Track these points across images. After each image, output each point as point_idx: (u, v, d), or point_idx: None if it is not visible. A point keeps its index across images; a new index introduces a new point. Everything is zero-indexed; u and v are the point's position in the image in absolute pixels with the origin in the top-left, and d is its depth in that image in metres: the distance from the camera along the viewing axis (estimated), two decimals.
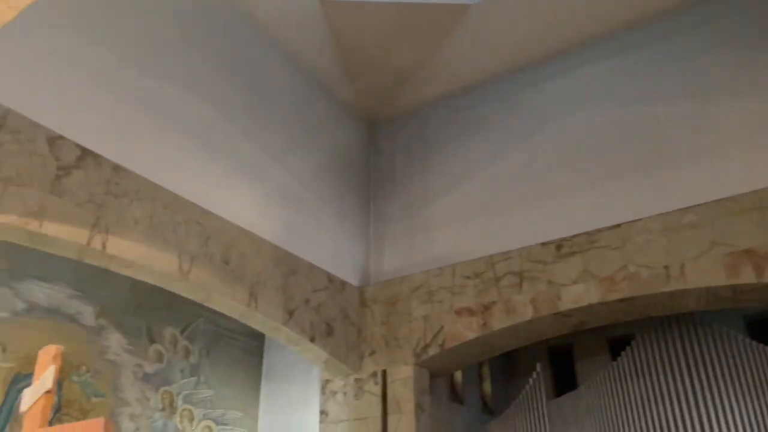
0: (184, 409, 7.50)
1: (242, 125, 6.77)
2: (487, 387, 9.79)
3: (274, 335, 6.80)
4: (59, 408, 6.26)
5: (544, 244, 6.71)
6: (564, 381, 9.74)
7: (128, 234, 5.24)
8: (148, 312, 7.41)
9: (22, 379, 6.05)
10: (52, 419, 6.15)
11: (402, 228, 8.04)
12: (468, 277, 7.04)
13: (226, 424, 7.98)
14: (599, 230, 6.43)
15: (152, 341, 7.39)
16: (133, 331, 7.17)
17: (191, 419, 7.57)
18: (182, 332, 7.78)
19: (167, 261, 5.54)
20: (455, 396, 8.64)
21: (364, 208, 8.43)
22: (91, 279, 6.86)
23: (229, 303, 6.12)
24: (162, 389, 7.32)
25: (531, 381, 8.30)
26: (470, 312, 6.85)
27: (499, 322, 6.64)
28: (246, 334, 8.67)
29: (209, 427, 7.76)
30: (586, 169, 6.92)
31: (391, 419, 6.91)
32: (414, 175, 8.28)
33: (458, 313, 6.93)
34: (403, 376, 7.01)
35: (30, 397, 3.58)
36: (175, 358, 7.58)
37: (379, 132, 8.90)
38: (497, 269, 6.88)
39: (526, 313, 6.52)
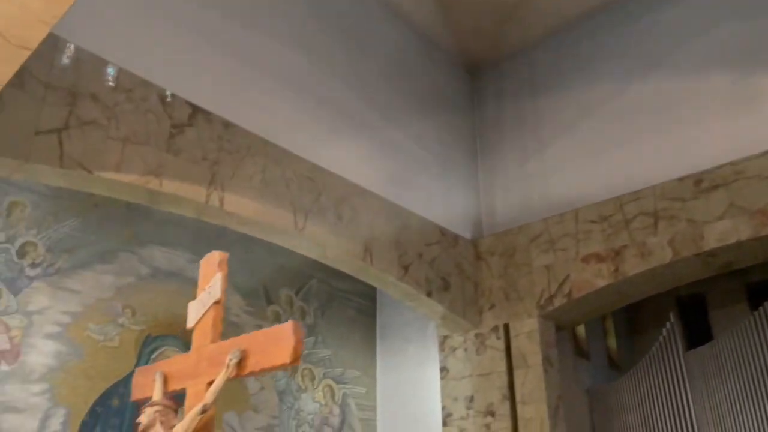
0: (304, 369, 7.53)
1: (347, 79, 6.56)
2: (612, 342, 9.23)
3: (389, 291, 6.62)
4: None
5: (681, 179, 6.07)
6: (696, 333, 9.01)
7: (243, 191, 5.16)
8: (264, 275, 7.44)
9: (152, 341, 6.22)
10: None
11: (514, 176, 7.59)
12: (594, 222, 6.52)
13: (345, 383, 7.96)
14: (746, 159, 5.72)
15: (269, 302, 7.42)
16: (250, 293, 7.22)
17: (312, 378, 7.59)
18: (297, 293, 7.78)
19: (282, 217, 5.43)
20: (580, 351, 8.17)
21: (472, 158, 8.04)
22: (208, 245, 6.91)
23: (344, 258, 5.98)
24: None
25: (665, 332, 7.69)
26: (599, 258, 6.35)
27: (632, 267, 6.11)
28: (359, 294, 8.58)
29: (330, 386, 7.76)
30: (722, 93, 6.18)
31: (518, 374, 6.59)
32: (524, 119, 7.77)
33: (585, 260, 6.44)
34: (528, 329, 6.64)
35: (196, 311, 3.48)
36: (292, 318, 7.58)
37: (483, 78, 8.43)
38: (627, 210, 6.32)
39: (664, 256, 5.95)
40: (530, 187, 7.34)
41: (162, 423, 3.22)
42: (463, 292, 7.05)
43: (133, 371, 5.93)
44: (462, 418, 6.84)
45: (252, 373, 3.17)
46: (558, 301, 6.51)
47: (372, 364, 8.42)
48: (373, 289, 8.85)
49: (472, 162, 8.00)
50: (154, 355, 6.18)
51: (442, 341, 7.32)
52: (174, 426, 3.17)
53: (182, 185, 4.71)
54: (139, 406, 3.51)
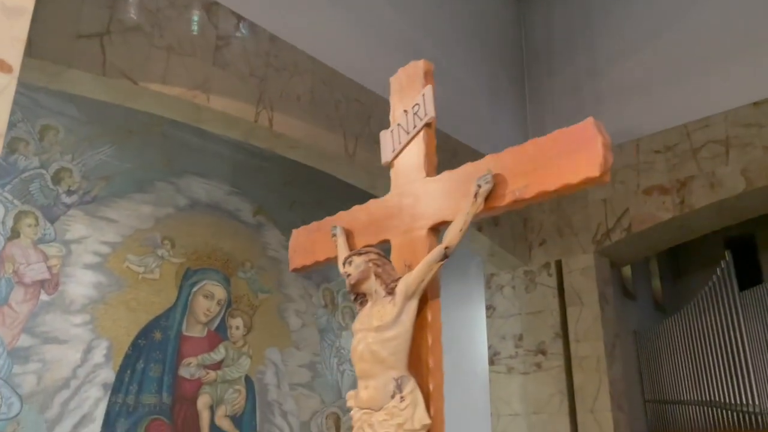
0: (344, 307, 7.30)
1: (395, 1, 6.09)
2: (657, 283, 8.93)
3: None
4: (229, 303, 6.18)
5: (756, 104, 5.63)
6: (745, 274, 8.68)
7: (292, 110, 4.79)
8: (302, 209, 7.13)
9: (192, 274, 5.97)
10: (224, 314, 6.08)
11: (565, 105, 7.15)
12: (657, 152, 6.11)
13: None
14: None
15: None
16: (289, 227, 6.86)
17: (352, 317, 7.36)
18: None
19: (333, 141, 5.07)
20: (626, 291, 7.88)
21: (519, 88, 7.59)
22: (246, 176, 6.62)
23: None
24: (323, 286, 7.12)
25: (719, 272, 7.38)
26: (662, 190, 5.97)
27: (699, 199, 5.73)
28: None
29: None
30: None
31: (571, 311, 6.31)
32: (575, 46, 7.27)
33: (647, 192, 6.07)
34: (583, 266, 6.33)
35: (395, 140, 2.71)
36: None
37: (531, 5, 7.89)
38: (694, 139, 5.90)
39: (736, 187, 5.56)
40: (583, 117, 6.88)
41: (378, 276, 2.42)
42: (512, 227, 6.72)
43: (174, 305, 5.78)
44: (510, 357, 6.61)
45: (518, 202, 2.32)
46: (616, 236, 6.17)
47: None
48: None
49: (520, 92, 7.56)
50: (194, 289, 5.94)
51: (488, 279, 7.03)
52: (396, 279, 2.42)
53: (230, 102, 4.34)
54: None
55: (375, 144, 5.29)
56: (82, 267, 5.19)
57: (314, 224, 3.07)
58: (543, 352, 6.37)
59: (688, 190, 5.80)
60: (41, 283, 4.90)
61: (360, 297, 2.49)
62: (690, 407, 7.13)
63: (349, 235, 2.80)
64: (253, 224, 6.60)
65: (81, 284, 5.15)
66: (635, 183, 6.16)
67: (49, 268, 4.97)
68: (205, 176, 6.27)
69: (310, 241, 3.02)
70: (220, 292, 6.11)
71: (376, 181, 5.49)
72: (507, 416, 6.45)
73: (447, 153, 6.13)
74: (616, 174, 6.29)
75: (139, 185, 5.73)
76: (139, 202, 5.69)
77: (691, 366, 7.29)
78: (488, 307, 6.95)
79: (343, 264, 2.52)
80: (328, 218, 3.00)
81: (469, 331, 7.59)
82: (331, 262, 2.92)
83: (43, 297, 4.89)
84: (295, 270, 3.15)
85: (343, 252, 2.70)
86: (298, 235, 3.19)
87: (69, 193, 5.23)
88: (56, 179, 5.19)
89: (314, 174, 7.27)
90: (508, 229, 6.63)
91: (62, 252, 5.06)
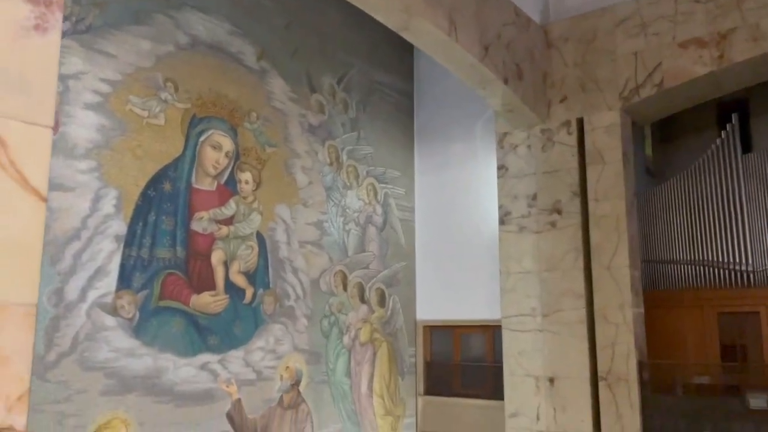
0: (349, 165, 6.95)
1: None
2: (648, 149, 8.93)
3: (467, 75, 5.84)
4: (238, 156, 5.71)
5: None
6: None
7: None
8: (305, 57, 6.53)
9: (198, 122, 5.43)
10: (232, 167, 5.65)
11: None
12: (696, 2, 5.76)
13: (386, 183, 7.48)
14: None
15: (313, 90, 6.60)
16: (293, 77, 6.36)
17: (356, 176, 7.05)
18: (338, 83, 6.95)
19: None
20: None
21: None
22: (248, 14, 5.92)
23: (428, 29, 5.11)
24: (327, 143, 6.70)
25: (723, 135, 7.34)
26: (700, 43, 5.69)
27: (741, 52, 5.49)
28: (397, 90, 7.82)
29: (372, 185, 7.26)
30: None
31: (591, 170, 6.18)
32: None
33: (683, 45, 5.78)
34: (607, 123, 6.11)
35: None
36: (335, 111, 6.85)
37: None
38: None
39: None
40: None
41: None
42: (533, 82, 6.37)
43: (182, 155, 5.28)
44: (523, 216, 6.51)
45: None
46: (645, 92, 5.93)
47: (410, 165, 7.92)
48: (411, 86, 8.10)
49: None
50: (201, 138, 5.43)
51: (501, 138, 6.76)
52: None
53: None
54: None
55: None
56: (82, 107, 4.56)
57: None
58: (558, 211, 6.29)
59: (729, 43, 5.54)
60: None
61: None
62: (683, 266, 7.35)
63: None
64: (257, 70, 6.00)
65: (83, 126, 4.55)
66: (670, 35, 5.84)
67: None
68: (205, 11, 5.55)
69: None
70: (227, 144, 5.62)
71: (410, 20, 4.95)
72: (517, 274, 6.46)
73: None
74: (650, 25, 5.95)
75: (135, 16, 4.99)
76: (137, 36, 4.98)
77: (687, 228, 7.43)
78: (500, 167, 6.74)
79: None
80: None
81: (475, 191, 7.44)
82: None
83: None
84: None
85: None
86: None
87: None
88: None
89: (315, 18, 6.64)
90: (529, 84, 6.29)
91: (59, 88, 4.40)
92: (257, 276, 5.73)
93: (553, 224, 6.32)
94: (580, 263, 6.12)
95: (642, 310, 6.07)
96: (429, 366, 7.68)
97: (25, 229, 1.76)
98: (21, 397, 1.70)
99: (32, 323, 1.74)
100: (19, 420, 1.69)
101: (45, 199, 1.82)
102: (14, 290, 1.71)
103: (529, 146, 6.59)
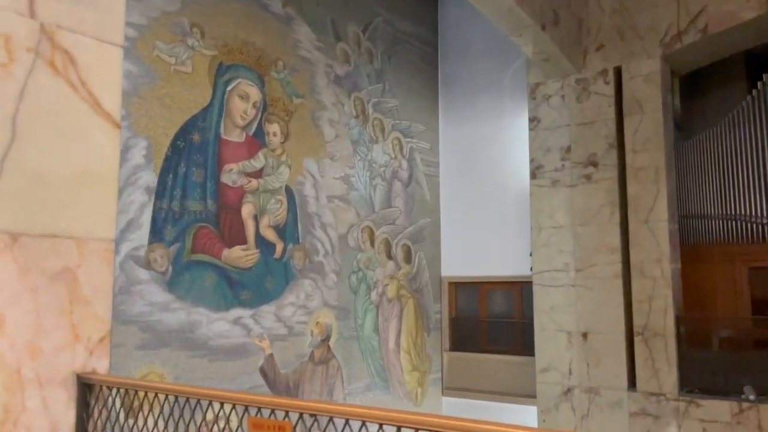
0: (375, 119, 6.74)
1: None
2: (677, 101, 8.68)
3: (503, 20, 5.58)
4: (265, 107, 5.51)
5: None
6: None
7: None
8: (330, 4, 6.27)
9: (225, 70, 5.21)
10: (260, 118, 5.46)
11: None
12: None
13: (411, 137, 7.28)
14: None
15: (338, 39, 6.36)
16: (318, 24, 6.11)
17: (382, 130, 6.85)
18: (363, 32, 6.69)
19: None
20: None
21: None
22: None
23: None
24: (353, 95, 6.49)
25: (755, 90, 7.11)
26: None
27: None
28: (421, 40, 7.56)
29: (398, 139, 7.07)
30: None
31: (629, 121, 5.98)
32: None
33: None
34: (646, 72, 5.89)
35: None
36: (360, 61, 6.61)
37: None
38: None
39: None
40: None
41: None
42: (569, 30, 6.12)
43: (210, 104, 5.09)
44: (556, 170, 6.34)
45: None
46: (689, 38, 5.69)
47: (435, 118, 7.71)
48: (435, 37, 7.83)
49: None
50: (229, 87, 5.22)
51: (533, 89, 6.54)
52: None
53: None
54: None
55: None
56: None
57: None
58: (594, 164, 6.11)
59: None
60: None
61: None
62: (714, 221, 7.20)
63: None
64: (283, 17, 5.75)
65: None
66: None
67: None
68: None
69: None
70: (255, 93, 5.42)
71: None
72: (549, 228, 6.32)
73: None
74: None
75: None
76: None
77: (718, 182, 7.25)
78: (531, 119, 6.54)
79: None
80: None
81: (501, 145, 7.25)
82: None
83: None
84: None
85: None
86: None
87: None
88: None
89: None
90: (565, 31, 6.04)
91: None
92: (286, 231, 5.60)
93: (588, 177, 6.15)
94: (617, 217, 5.97)
95: (679, 265, 5.94)
96: (454, 322, 7.61)
97: (100, 157, 1.61)
98: (102, 339, 1.57)
99: (111, 260, 1.60)
100: (102, 364, 1.57)
101: (119, 126, 1.66)
102: (93, 225, 1.56)
103: (563, 96, 6.37)
